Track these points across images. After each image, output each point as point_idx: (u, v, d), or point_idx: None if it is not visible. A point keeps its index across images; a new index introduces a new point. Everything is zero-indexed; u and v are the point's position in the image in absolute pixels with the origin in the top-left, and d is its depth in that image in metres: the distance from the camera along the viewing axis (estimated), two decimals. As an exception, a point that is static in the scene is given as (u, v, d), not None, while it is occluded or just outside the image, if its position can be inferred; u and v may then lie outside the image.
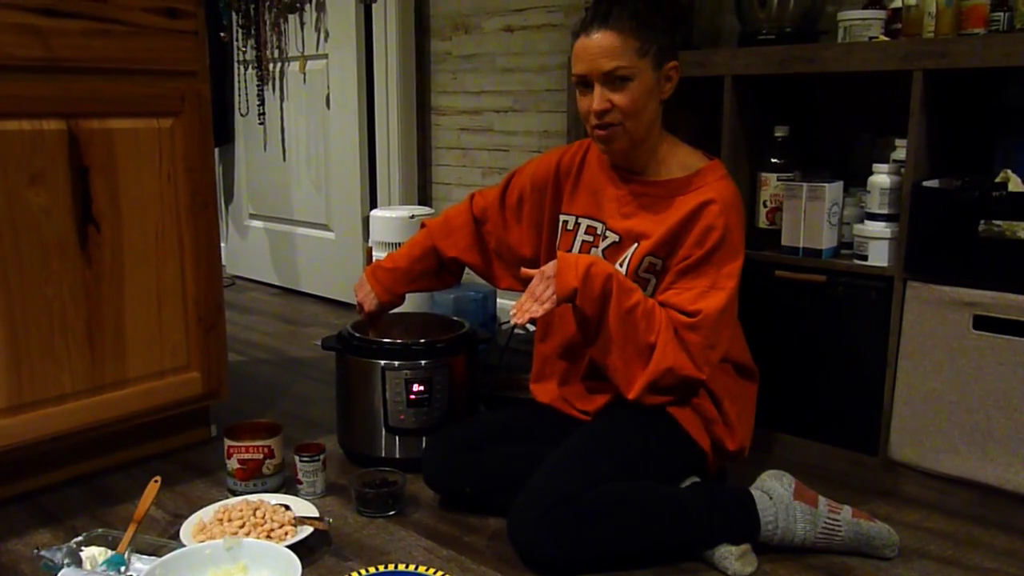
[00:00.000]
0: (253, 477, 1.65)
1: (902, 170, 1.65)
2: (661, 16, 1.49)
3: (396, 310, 1.87)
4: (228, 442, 1.65)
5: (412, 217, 2.56)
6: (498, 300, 2.64)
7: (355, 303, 1.81)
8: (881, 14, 1.76)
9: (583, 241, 1.61)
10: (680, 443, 1.50)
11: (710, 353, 1.45)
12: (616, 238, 1.56)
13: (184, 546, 1.35)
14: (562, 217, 1.65)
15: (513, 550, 1.40)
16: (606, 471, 1.42)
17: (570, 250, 1.62)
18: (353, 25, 3.01)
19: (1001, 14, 1.58)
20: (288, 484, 1.69)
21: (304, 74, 3.24)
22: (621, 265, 1.53)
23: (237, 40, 3.35)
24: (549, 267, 1.46)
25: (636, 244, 1.52)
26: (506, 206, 1.74)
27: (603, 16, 1.46)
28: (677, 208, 1.49)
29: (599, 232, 1.59)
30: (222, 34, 3.32)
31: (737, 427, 1.55)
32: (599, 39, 1.45)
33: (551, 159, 1.69)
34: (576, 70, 1.49)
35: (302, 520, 1.46)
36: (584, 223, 1.61)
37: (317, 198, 3.33)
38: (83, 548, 1.33)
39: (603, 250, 1.57)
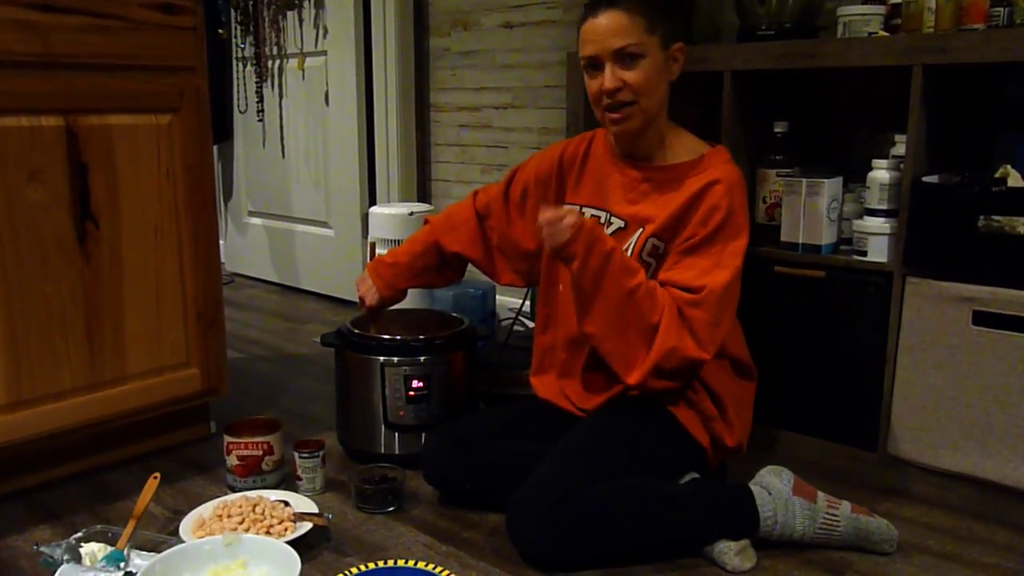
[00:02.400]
0: (252, 473, 1.65)
1: (901, 166, 1.65)
2: (664, 1, 1.49)
3: (396, 306, 1.87)
4: (227, 438, 1.65)
5: (411, 214, 2.56)
6: (497, 296, 2.64)
7: (356, 299, 1.81)
8: (880, 9, 1.75)
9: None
10: (679, 440, 1.50)
11: (715, 331, 1.43)
12: (622, 224, 1.56)
13: (183, 542, 1.36)
14: (566, 207, 1.65)
15: (512, 547, 1.40)
16: (605, 468, 1.42)
17: None
18: (352, 22, 3.00)
19: (1001, 9, 1.58)
20: (287, 480, 1.69)
21: (303, 71, 3.24)
22: (626, 251, 1.53)
23: (236, 37, 3.35)
24: (573, 217, 1.42)
25: (641, 229, 1.52)
26: (510, 201, 1.74)
27: None
28: (682, 191, 1.49)
29: (603, 220, 1.58)
30: (220, 31, 3.31)
31: (736, 423, 1.55)
32: (607, 19, 1.45)
33: (555, 151, 1.69)
34: (584, 52, 1.49)
35: (301, 516, 1.46)
36: (588, 212, 1.60)
37: (316, 195, 3.33)
38: (83, 544, 1.33)
39: (611, 235, 1.56)
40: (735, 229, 1.46)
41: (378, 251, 1.82)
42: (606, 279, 1.41)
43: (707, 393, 1.53)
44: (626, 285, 1.41)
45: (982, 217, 1.53)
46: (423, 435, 1.73)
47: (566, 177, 1.67)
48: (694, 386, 1.51)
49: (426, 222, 1.82)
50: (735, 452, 1.58)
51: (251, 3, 3.26)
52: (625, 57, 1.45)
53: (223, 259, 3.67)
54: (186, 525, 1.44)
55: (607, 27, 1.45)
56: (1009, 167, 1.56)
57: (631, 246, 1.52)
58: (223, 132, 3.58)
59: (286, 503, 1.50)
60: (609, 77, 1.46)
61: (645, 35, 1.45)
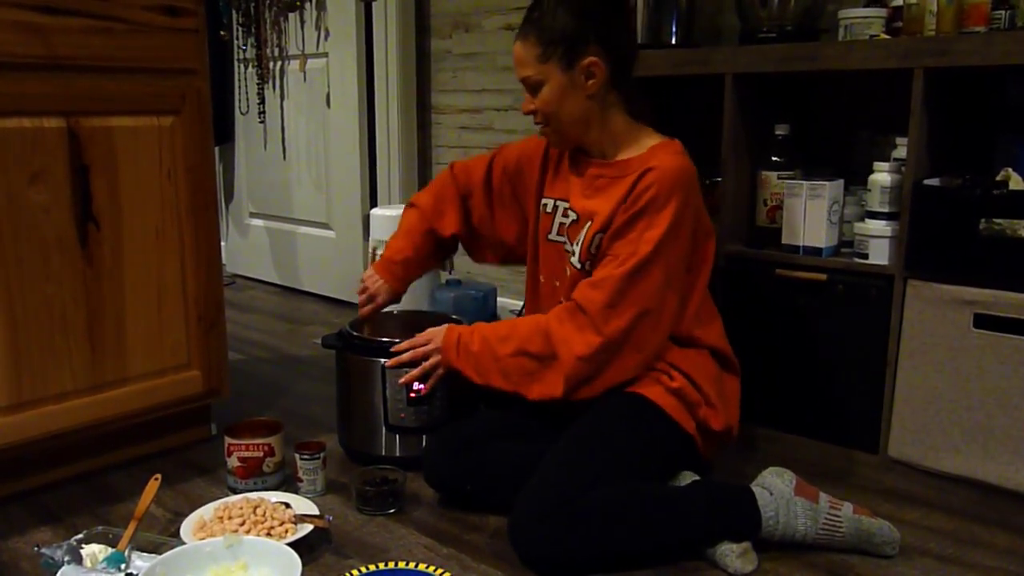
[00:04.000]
0: (253, 475, 1.65)
1: (903, 168, 1.65)
2: (572, 4, 1.50)
3: (398, 308, 1.88)
4: (228, 440, 1.65)
5: (412, 215, 2.56)
6: (498, 299, 2.64)
7: (359, 296, 1.81)
8: (882, 12, 1.76)
9: (560, 223, 1.64)
10: (668, 430, 1.51)
11: (610, 312, 1.46)
12: (575, 217, 1.60)
13: (184, 544, 1.36)
14: (543, 201, 1.69)
15: (514, 551, 1.40)
16: (602, 469, 1.42)
17: (550, 233, 1.66)
18: (353, 23, 3.01)
19: (1002, 12, 1.58)
20: (288, 482, 1.69)
21: (304, 73, 3.24)
22: (577, 244, 1.57)
23: (237, 38, 3.34)
24: (437, 336, 1.61)
25: (589, 222, 1.56)
26: (492, 188, 1.78)
27: (521, 25, 1.54)
28: (624, 185, 1.52)
29: (562, 210, 1.64)
30: (222, 32, 3.31)
31: (720, 406, 1.56)
32: (514, 49, 1.55)
33: (541, 144, 1.73)
34: None
35: (302, 518, 1.46)
36: (561, 206, 1.65)
37: (317, 197, 3.33)
38: (83, 546, 1.33)
39: (567, 227, 1.61)
40: (655, 217, 1.46)
41: (378, 254, 1.84)
42: (491, 362, 1.54)
43: (687, 380, 1.53)
44: (508, 349, 1.52)
45: (983, 220, 1.53)
46: (424, 437, 1.73)
47: (547, 170, 1.71)
48: (673, 375, 1.53)
49: (411, 204, 1.84)
50: (725, 436, 1.58)
51: (252, 4, 3.26)
52: (530, 86, 1.55)
53: (224, 260, 3.68)
54: (187, 527, 1.43)
55: (514, 58, 1.56)
56: (1010, 170, 1.56)
57: (580, 240, 1.56)
58: (224, 134, 3.58)
59: (287, 505, 1.50)
60: (524, 102, 1.58)
61: (538, 64, 1.52)
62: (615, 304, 1.46)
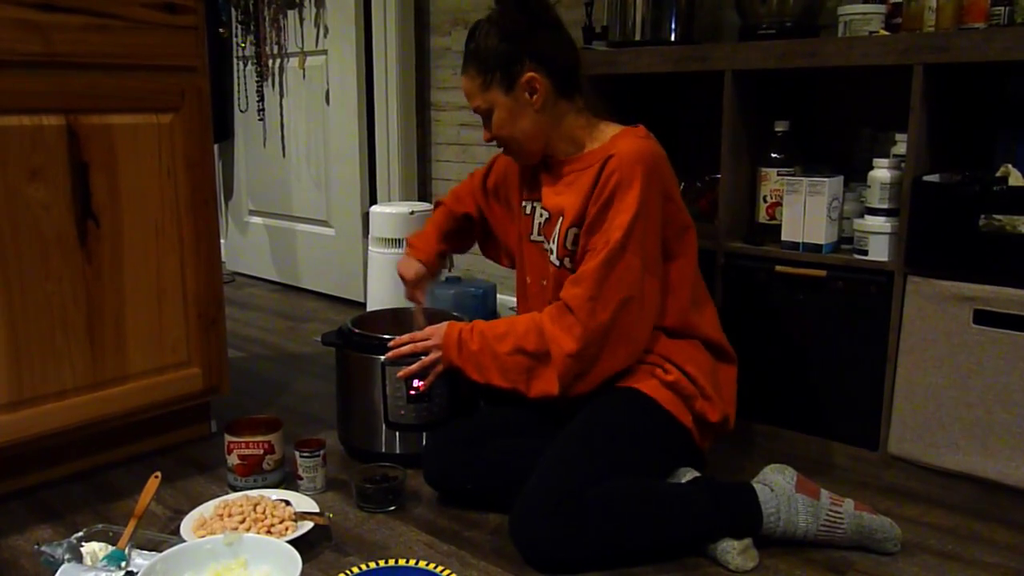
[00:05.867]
0: (253, 473, 1.65)
1: (902, 165, 1.65)
2: (500, 31, 1.54)
3: (395, 306, 1.88)
4: (228, 438, 1.65)
5: (412, 213, 2.57)
6: (498, 296, 2.64)
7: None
8: (881, 8, 1.75)
9: (538, 223, 1.67)
10: (665, 423, 1.51)
11: (593, 304, 1.48)
12: (547, 215, 1.63)
13: (184, 541, 1.36)
14: (523, 203, 1.73)
15: (515, 548, 1.40)
16: (602, 465, 1.43)
17: (531, 233, 1.69)
18: (352, 21, 3.00)
19: (1002, 8, 1.58)
20: (288, 480, 1.69)
21: (303, 70, 3.24)
22: (553, 241, 1.60)
23: (236, 36, 3.35)
24: (438, 333, 1.62)
25: (561, 218, 1.58)
26: (487, 191, 1.84)
27: (463, 59, 1.59)
28: (588, 175, 1.54)
29: (534, 210, 1.68)
30: (221, 30, 3.32)
31: (716, 398, 1.56)
32: (462, 83, 1.61)
33: None
34: None
35: (302, 515, 1.46)
36: (536, 206, 1.68)
37: (317, 194, 3.33)
38: (84, 543, 1.33)
39: (544, 226, 1.64)
40: (622, 201, 1.49)
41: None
42: (490, 360, 1.55)
43: (681, 372, 1.54)
44: (506, 347, 1.54)
45: (983, 216, 1.53)
46: (424, 434, 1.73)
47: (525, 173, 1.73)
48: (667, 368, 1.53)
49: (438, 203, 1.92)
50: (722, 427, 1.58)
51: (252, 2, 3.27)
52: (483, 114, 1.60)
53: (224, 258, 3.68)
54: (187, 524, 1.44)
55: (463, 91, 1.61)
56: (1010, 166, 1.56)
57: (555, 236, 1.59)
58: (224, 131, 3.58)
59: (287, 502, 1.50)
60: (484, 133, 1.63)
61: (482, 93, 1.57)
62: (597, 296, 1.48)
